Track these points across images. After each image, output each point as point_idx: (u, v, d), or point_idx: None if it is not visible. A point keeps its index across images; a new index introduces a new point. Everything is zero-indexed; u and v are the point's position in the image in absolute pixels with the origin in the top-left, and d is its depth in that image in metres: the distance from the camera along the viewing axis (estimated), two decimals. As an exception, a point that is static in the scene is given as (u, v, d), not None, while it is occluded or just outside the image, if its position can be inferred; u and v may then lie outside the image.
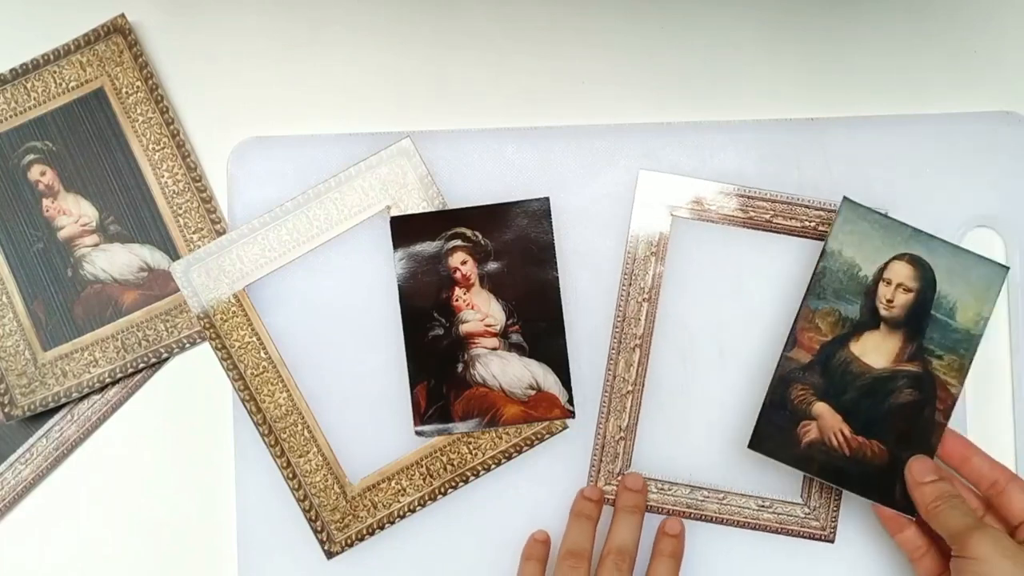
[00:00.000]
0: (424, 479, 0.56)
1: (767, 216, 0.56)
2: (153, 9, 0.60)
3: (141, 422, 0.59)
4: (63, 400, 0.58)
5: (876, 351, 0.53)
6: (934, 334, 0.53)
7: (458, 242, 0.56)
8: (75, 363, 0.58)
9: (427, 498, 0.55)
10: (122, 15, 0.59)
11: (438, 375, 0.56)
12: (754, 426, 0.53)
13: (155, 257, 0.59)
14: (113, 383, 0.58)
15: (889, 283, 0.53)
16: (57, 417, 0.58)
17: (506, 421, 0.55)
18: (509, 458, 0.55)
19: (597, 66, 0.59)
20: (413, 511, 0.56)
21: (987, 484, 0.51)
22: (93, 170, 0.59)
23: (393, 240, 0.56)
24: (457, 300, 0.56)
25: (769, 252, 0.56)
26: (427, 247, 0.56)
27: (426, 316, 0.56)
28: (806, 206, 0.55)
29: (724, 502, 0.55)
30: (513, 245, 0.56)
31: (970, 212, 0.56)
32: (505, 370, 0.55)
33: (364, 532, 0.55)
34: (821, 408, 0.53)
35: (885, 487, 0.52)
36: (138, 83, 0.59)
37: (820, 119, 0.57)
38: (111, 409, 0.58)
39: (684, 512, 0.55)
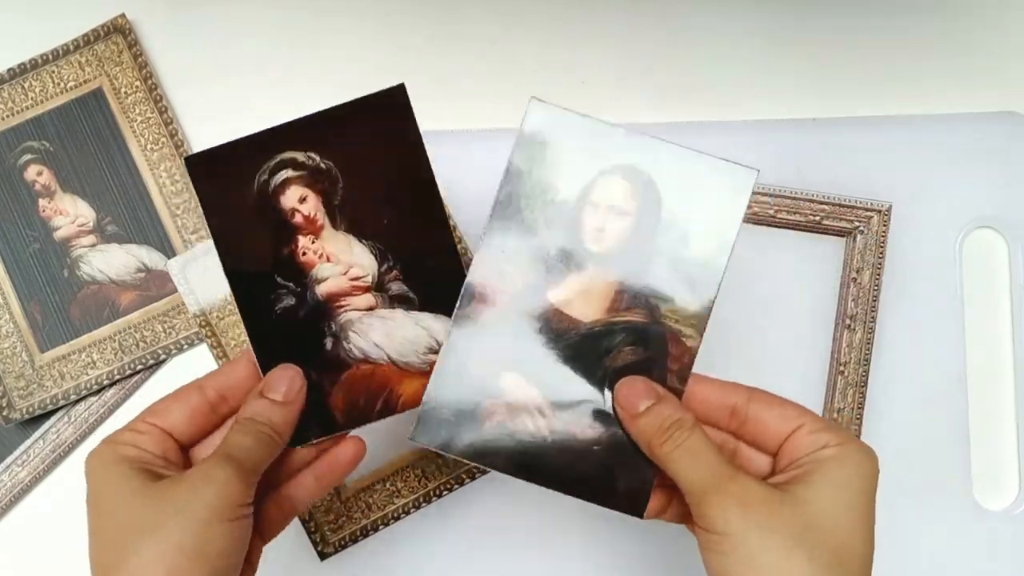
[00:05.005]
0: (419, 481, 0.55)
1: (770, 211, 0.55)
2: (153, 9, 0.60)
3: (137, 423, 0.58)
4: (61, 402, 0.57)
5: (583, 299, 0.40)
6: (661, 270, 0.40)
7: (288, 172, 0.41)
8: (73, 365, 0.58)
9: (422, 500, 0.55)
10: (122, 15, 0.59)
11: (300, 359, 0.41)
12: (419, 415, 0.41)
13: (152, 258, 0.58)
14: (111, 385, 0.58)
15: (597, 207, 0.41)
16: (54, 419, 0.58)
17: (407, 403, 0.42)
18: (506, 460, 0.55)
19: (597, 66, 0.59)
20: (407, 513, 0.55)
21: (724, 417, 0.40)
22: (90, 170, 0.59)
23: (195, 188, 0.42)
24: (304, 253, 0.42)
25: (773, 248, 0.56)
26: (245, 189, 0.41)
27: (266, 283, 0.42)
28: (809, 200, 0.55)
29: None
30: (366, 159, 0.41)
31: (971, 212, 0.56)
32: (391, 334, 0.42)
33: (358, 534, 0.55)
34: (509, 381, 0.40)
35: (603, 480, 0.39)
36: (137, 83, 0.59)
37: (821, 119, 0.57)
38: (108, 411, 0.58)
39: None
